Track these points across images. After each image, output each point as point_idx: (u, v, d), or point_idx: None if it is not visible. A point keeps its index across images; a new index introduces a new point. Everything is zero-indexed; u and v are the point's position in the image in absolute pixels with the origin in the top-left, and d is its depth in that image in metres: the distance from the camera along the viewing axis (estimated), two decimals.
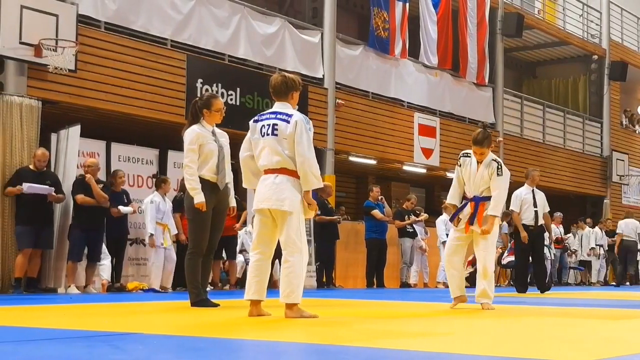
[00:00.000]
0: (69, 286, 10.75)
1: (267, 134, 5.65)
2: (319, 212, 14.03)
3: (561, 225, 20.14)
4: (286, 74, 5.96)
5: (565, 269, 20.51)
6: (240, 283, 13.41)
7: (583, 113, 24.24)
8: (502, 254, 18.26)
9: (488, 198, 7.47)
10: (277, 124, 5.63)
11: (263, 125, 5.70)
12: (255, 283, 5.73)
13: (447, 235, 16.29)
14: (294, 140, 5.57)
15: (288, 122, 5.61)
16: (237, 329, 5.13)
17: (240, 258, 13.26)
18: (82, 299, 9.21)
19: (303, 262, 5.61)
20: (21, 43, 10.52)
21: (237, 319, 5.73)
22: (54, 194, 10.60)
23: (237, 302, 8.68)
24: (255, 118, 5.85)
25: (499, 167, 7.45)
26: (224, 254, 12.78)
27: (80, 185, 10.83)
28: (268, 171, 5.69)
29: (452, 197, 7.72)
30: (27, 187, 10.32)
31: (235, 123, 14.29)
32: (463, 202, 7.62)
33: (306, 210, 5.69)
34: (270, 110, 5.78)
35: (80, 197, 10.73)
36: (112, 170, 11.89)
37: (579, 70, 25.03)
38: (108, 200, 11.06)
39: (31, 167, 10.60)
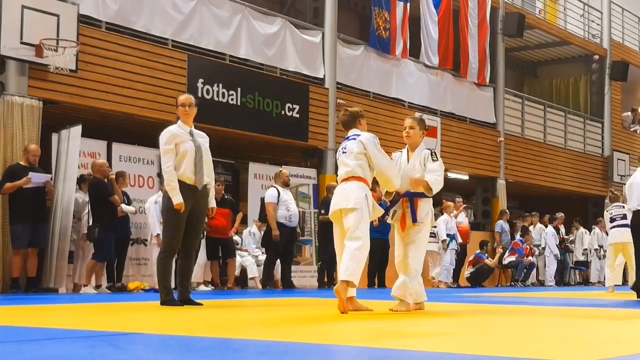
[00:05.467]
0: (86, 285, 10.76)
1: (342, 153, 6.77)
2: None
3: (562, 226, 20.15)
4: (349, 108, 7.02)
5: (566, 269, 20.54)
6: (241, 282, 13.42)
7: (584, 113, 24.24)
8: (503, 253, 18.27)
9: (422, 195, 7.03)
10: (346, 145, 6.76)
11: (340, 149, 6.83)
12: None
13: (447, 235, 16.34)
14: (367, 156, 6.64)
15: (355, 139, 6.70)
16: (239, 328, 5.14)
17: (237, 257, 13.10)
18: (83, 299, 9.21)
19: (362, 250, 6.53)
20: (22, 43, 10.54)
21: (237, 318, 5.73)
22: (51, 182, 10.61)
23: (237, 302, 8.69)
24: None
25: (433, 153, 7.22)
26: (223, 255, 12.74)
27: (107, 187, 10.88)
28: (341, 181, 6.75)
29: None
30: (32, 175, 10.32)
31: (237, 123, 14.36)
32: (396, 198, 7.14)
33: (375, 210, 6.68)
34: (346, 137, 6.86)
35: (117, 197, 10.90)
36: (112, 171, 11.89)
37: (580, 70, 25.03)
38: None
39: (22, 162, 10.54)
